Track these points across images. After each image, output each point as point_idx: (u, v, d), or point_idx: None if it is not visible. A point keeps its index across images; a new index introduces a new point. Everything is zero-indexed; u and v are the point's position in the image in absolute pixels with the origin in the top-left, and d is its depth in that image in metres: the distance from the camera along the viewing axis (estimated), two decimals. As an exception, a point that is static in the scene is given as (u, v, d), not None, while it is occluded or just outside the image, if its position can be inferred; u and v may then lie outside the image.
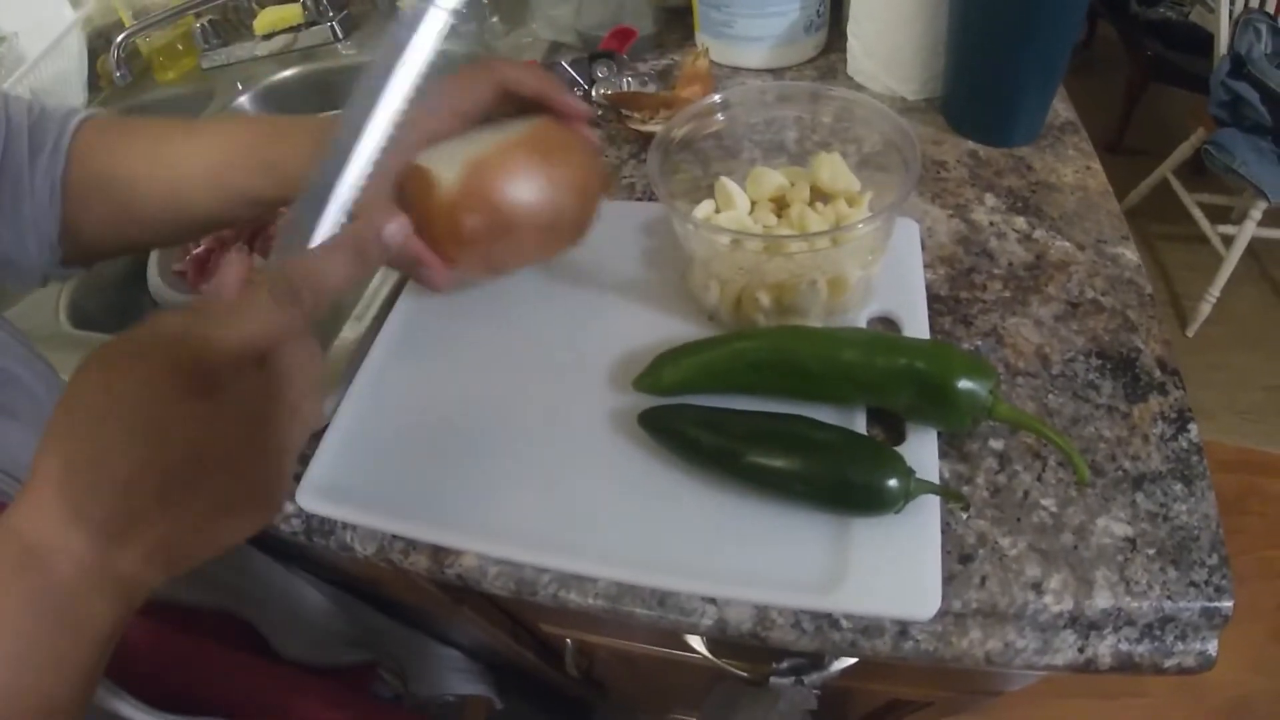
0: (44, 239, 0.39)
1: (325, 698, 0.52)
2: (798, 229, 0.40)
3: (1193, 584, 0.32)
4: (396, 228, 0.29)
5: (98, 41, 0.88)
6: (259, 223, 0.71)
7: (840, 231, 0.34)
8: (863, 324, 0.41)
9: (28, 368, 0.38)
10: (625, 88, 0.59)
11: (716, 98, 0.43)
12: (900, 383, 0.33)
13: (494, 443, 0.39)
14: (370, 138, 0.30)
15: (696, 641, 0.48)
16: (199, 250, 0.71)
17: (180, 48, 0.90)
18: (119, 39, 0.82)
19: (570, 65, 0.58)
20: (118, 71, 0.83)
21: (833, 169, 0.42)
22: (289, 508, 0.39)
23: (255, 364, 0.25)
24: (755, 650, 0.48)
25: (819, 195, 0.43)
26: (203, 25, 0.89)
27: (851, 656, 0.41)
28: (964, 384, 0.33)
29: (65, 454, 0.23)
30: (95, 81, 0.89)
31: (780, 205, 0.43)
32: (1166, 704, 1.13)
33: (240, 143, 0.40)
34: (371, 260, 0.29)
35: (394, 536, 0.38)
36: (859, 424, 0.36)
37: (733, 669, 0.48)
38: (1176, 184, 1.58)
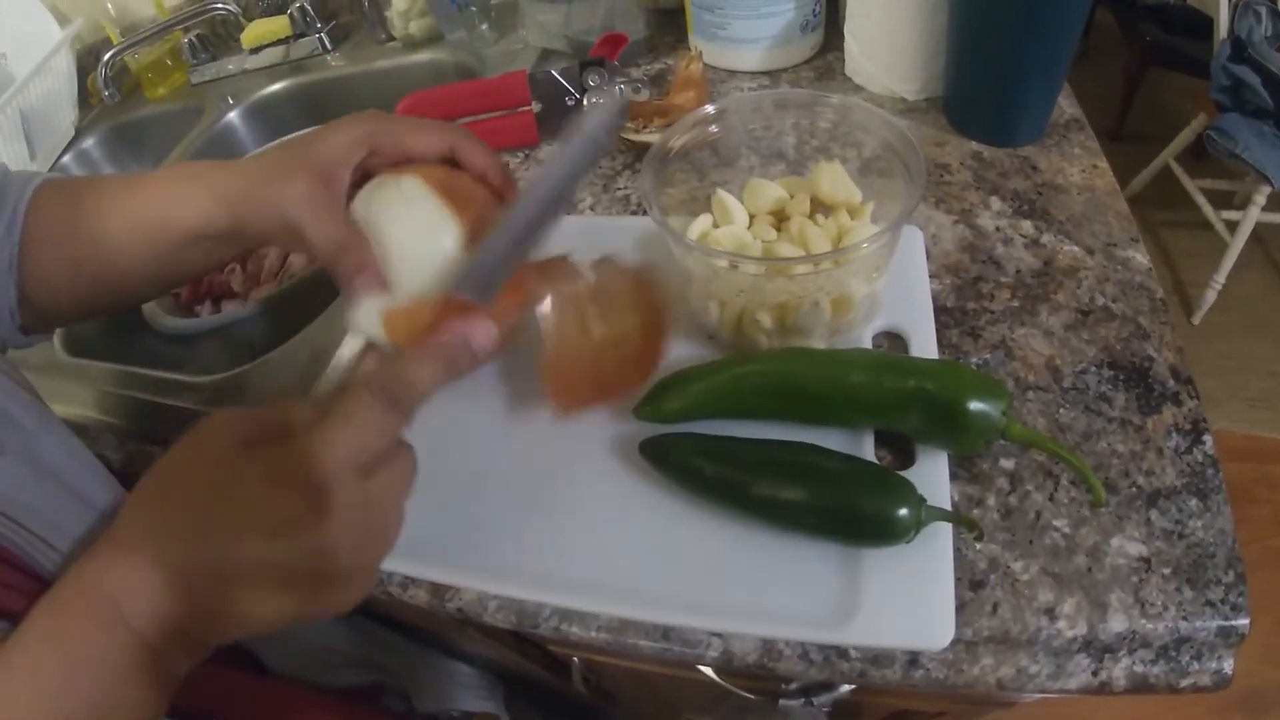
0: (5, 305, 0.38)
1: (330, 710, 0.51)
2: (798, 243, 0.39)
3: (1209, 603, 0.32)
4: (484, 338, 0.30)
5: (87, 59, 0.87)
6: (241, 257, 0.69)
7: (842, 253, 0.33)
8: (868, 341, 0.40)
9: (14, 399, 0.37)
10: (617, 94, 0.58)
11: (710, 109, 0.42)
12: (909, 405, 0.32)
13: (490, 476, 0.38)
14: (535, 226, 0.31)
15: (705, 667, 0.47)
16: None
17: (169, 63, 0.89)
18: (106, 57, 0.81)
19: (560, 74, 0.57)
20: (106, 90, 0.83)
21: (832, 178, 0.41)
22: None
23: (361, 474, 0.25)
24: (766, 675, 0.47)
25: (819, 206, 0.42)
26: (190, 40, 0.88)
27: (860, 684, 0.40)
28: (975, 405, 0.32)
29: (152, 520, 0.25)
30: (86, 99, 0.88)
31: (780, 218, 0.42)
32: (1179, 695, 1.12)
33: (187, 187, 0.38)
34: (460, 369, 0.29)
35: (393, 571, 0.37)
36: (867, 447, 0.35)
37: (741, 691, 0.47)
38: (1179, 170, 1.56)
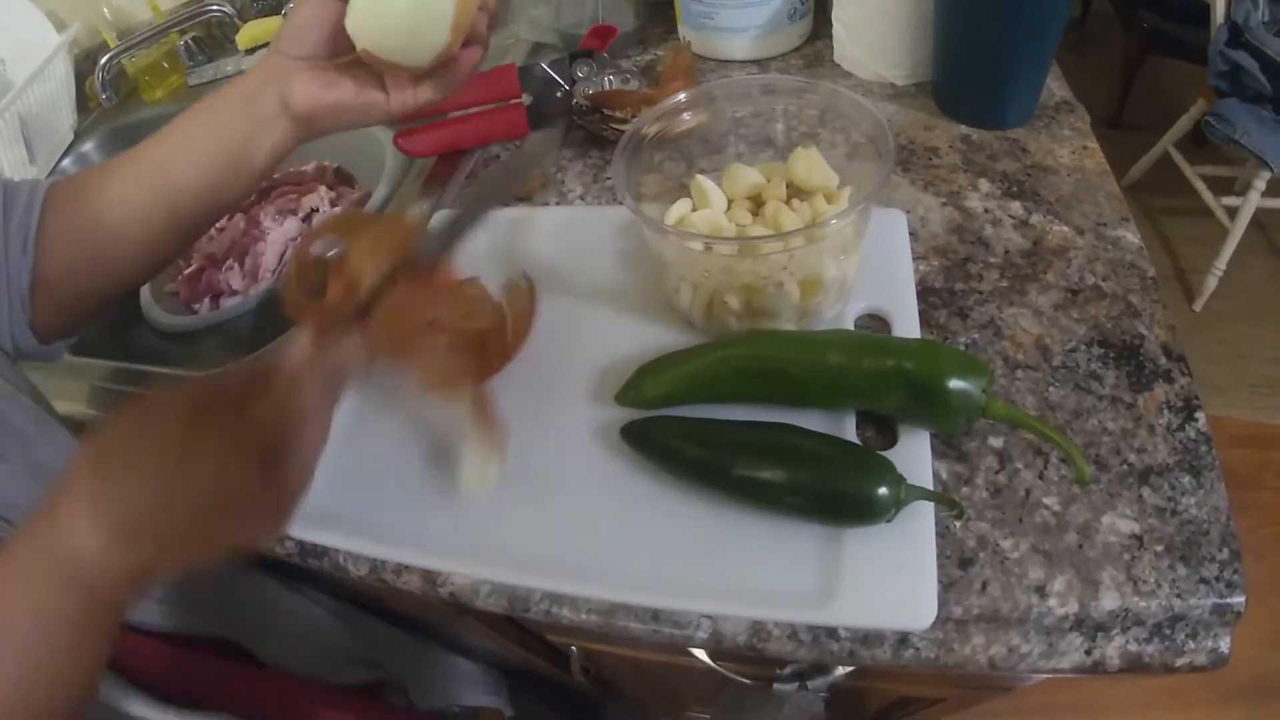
0: (16, 293, 0.38)
1: (335, 702, 0.52)
2: (771, 227, 0.39)
3: (1203, 580, 0.31)
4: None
5: (85, 64, 0.88)
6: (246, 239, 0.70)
7: (804, 231, 0.33)
8: (850, 323, 0.40)
9: (14, 404, 0.38)
10: (606, 85, 0.58)
11: (682, 96, 0.42)
12: (889, 385, 0.32)
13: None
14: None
15: (697, 649, 0.47)
16: (190, 269, 0.71)
17: (165, 66, 0.90)
18: (103, 60, 0.81)
19: (550, 66, 0.57)
20: (103, 93, 0.83)
21: (807, 164, 0.41)
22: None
23: (270, 390, 0.28)
24: (756, 657, 0.47)
25: (797, 191, 0.42)
26: (186, 43, 0.88)
27: (851, 665, 0.40)
28: (955, 384, 0.31)
29: (98, 472, 0.27)
30: (84, 103, 0.88)
31: (758, 203, 0.42)
32: (1185, 681, 1.12)
33: (188, 135, 0.40)
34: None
35: (385, 559, 0.37)
36: (848, 428, 0.35)
37: (736, 675, 0.47)
38: (1178, 157, 1.55)
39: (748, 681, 0.47)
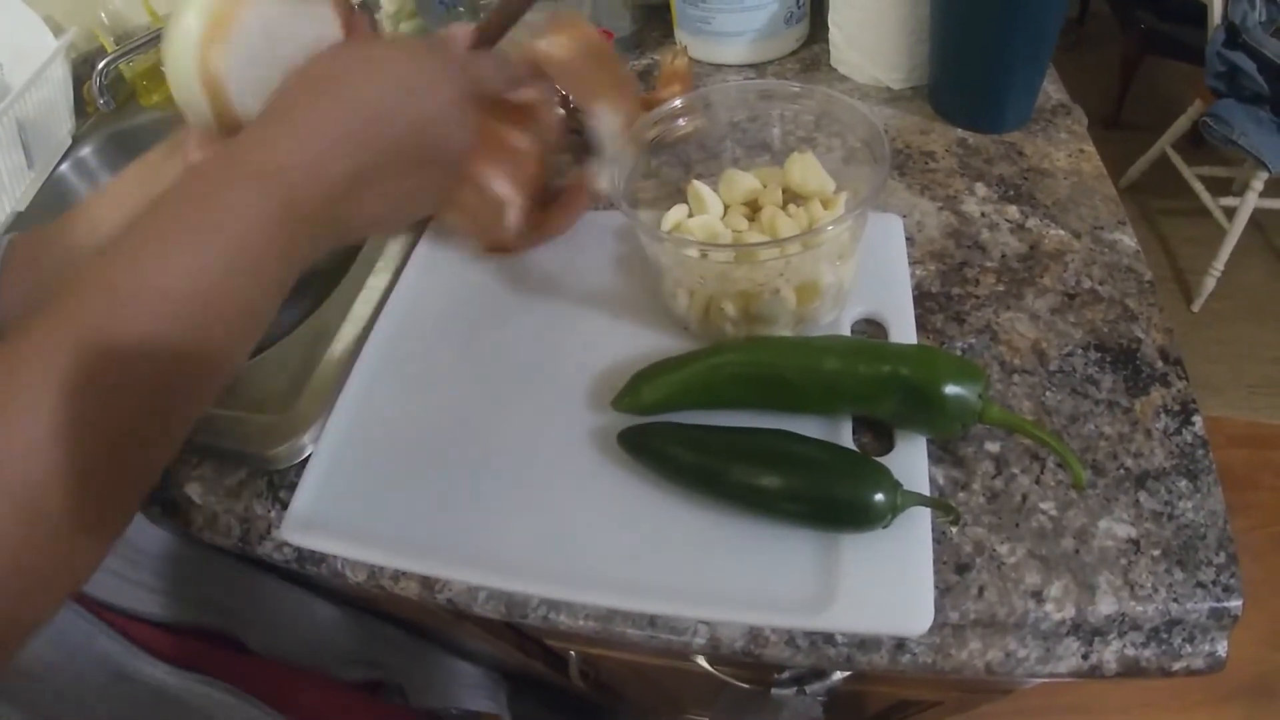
0: None
1: (334, 691, 0.52)
2: (768, 233, 0.39)
3: (1200, 584, 0.31)
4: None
5: (83, 68, 0.88)
6: None
7: (803, 237, 0.33)
8: (847, 328, 0.40)
9: None
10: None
11: (678, 102, 0.42)
12: (885, 391, 0.32)
13: (475, 469, 0.38)
14: None
15: (695, 655, 0.47)
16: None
17: (163, 70, 0.90)
18: (101, 65, 0.81)
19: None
20: (101, 98, 0.83)
21: (804, 169, 0.41)
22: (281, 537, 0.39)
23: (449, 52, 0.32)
24: (754, 662, 0.47)
25: (793, 197, 0.42)
26: (183, 46, 0.88)
27: (849, 670, 0.40)
28: (951, 389, 0.31)
29: (311, 90, 0.28)
30: (82, 108, 0.88)
31: (754, 208, 0.42)
32: (1185, 681, 1.12)
33: (133, 200, 0.38)
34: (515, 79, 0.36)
35: (383, 565, 0.37)
36: (845, 434, 0.35)
37: (734, 680, 0.47)
38: (1176, 158, 1.55)
39: (745, 686, 0.47)
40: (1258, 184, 1.34)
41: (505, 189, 0.38)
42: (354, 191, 0.28)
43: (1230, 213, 1.42)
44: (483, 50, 0.36)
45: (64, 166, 0.86)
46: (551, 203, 0.46)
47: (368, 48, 0.31)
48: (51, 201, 0.76)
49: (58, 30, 0.84)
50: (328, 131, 0.27)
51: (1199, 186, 1.50)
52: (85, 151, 0.88)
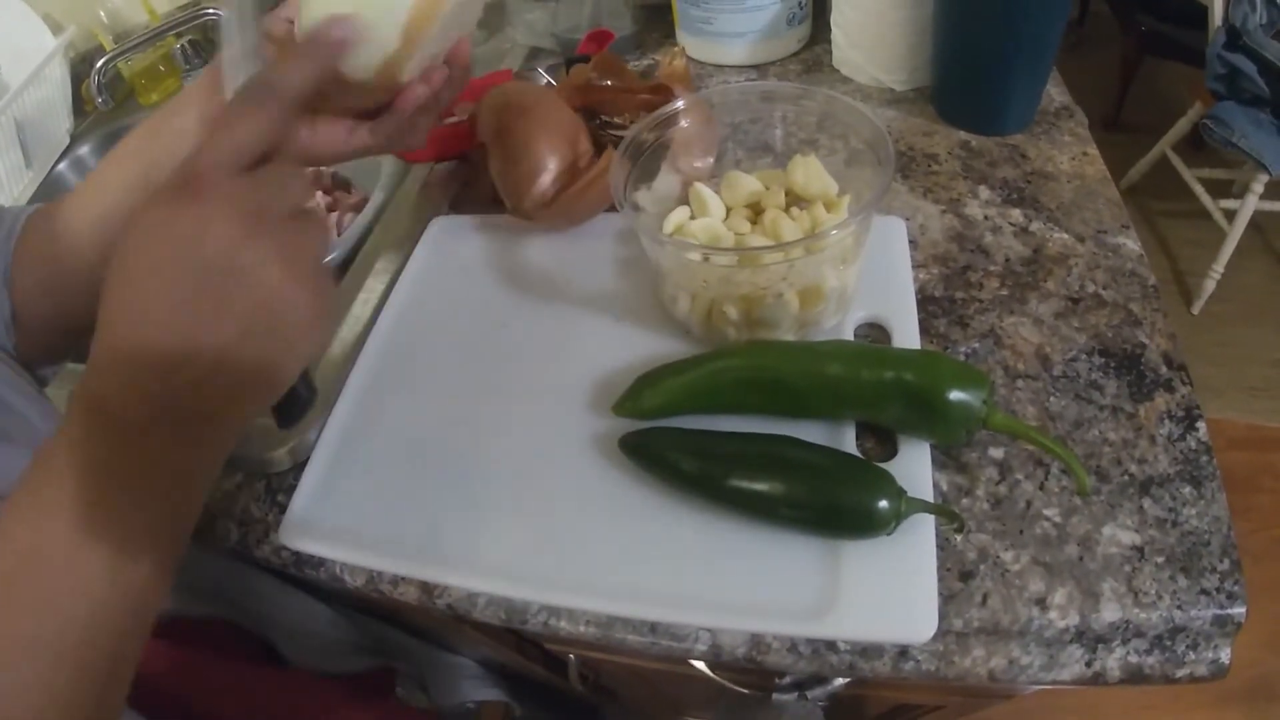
0: (1, 322, 0.38)
1: (341, 699, 0.51)
2: (770, 236, 0.39)
3: (1204, 591, 0.31)
4: (342, 30, 0.30)
5: (81, 67, 0.87)
6: None
7: (807, 241, 0.33)
8: (850, 332, 0.40)
9: (20, 394, 0.37)
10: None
11: (680, 103, 0.42)
12: (889, 396, 0.32)
13: (475, 473, 0.38)
14: None
15: (696, 661, 0.47)
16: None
17: (162, 69, 0.89)
18: (99, 64, 0.81)
19: (546, 71, 0.57)
20: (99, 97, 0.83)
21: (807, 172, 0.40)
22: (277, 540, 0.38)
23: (244, 169, 0.26)
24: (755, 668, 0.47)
25: (796, 199, 0.42)
26: (183, 46, 0.88)
27: (850, 677, 0.40)
28: (955, 395, 0.31)
29: (110, 314, 0.25)
30: (80, 107, 0.88)
31: (757, 211, 0.42)
32: (1185, 684, 1.12)
33: (139, 162, 0.38)
34: (323, 57, 0.30)
35: (382, 570, 0.37)
36: (848, 439, 0.35)
37: (734, 685, 0.47)
38: (1176, 160, 1.55)
39: (746, 692, 0.47)
40: (1258, 186, 1.34)
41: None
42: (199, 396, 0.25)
43: (1230, 215, 1.42)
44: (264, 169, 0.28)
45: (62, 165, 0.85)
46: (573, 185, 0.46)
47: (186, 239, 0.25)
48: (49, 200, 0.76)
49: (56, 29, 0.84)
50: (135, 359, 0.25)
51: (1199, 189, 1.50)
52: (83, 150, 0.87)
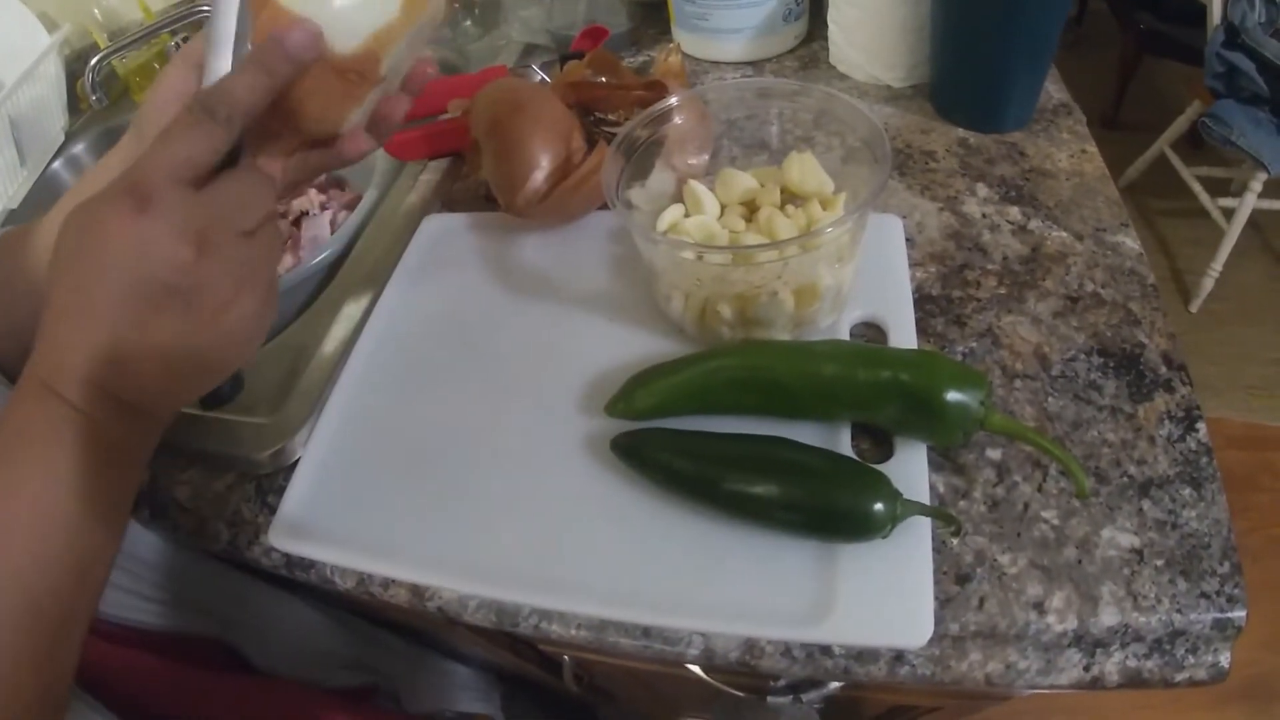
0: None
1: (329, 706, 0.51)
2: (765, 234, 0.38)
3: (1204, 595, 0.31)
4: (299, 39, 0.29)
5: (75, 65, 0.87)
6: None
7: (801, 239, 0.33)
8: (846, 332, 0.39)
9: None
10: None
11: (673, 100, 0.41)
12: (885, 397, 0.32)
13: (466, 475, 0.37)
14: None
15: (690, 664, 0.47)
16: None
17: (157, 67, 0.89)
18: (94, 61, 0.80)
19: (541, 68, 0.56)
20: (93, 95, 0.82)
21: (802, 169, 0.40)
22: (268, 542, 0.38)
23: (190, 184, 0.26)
24: (750, 672, 0.47)
25: (792, 197, 0.41)
26: (178, 43, 0.87)
27: (845, 681, 0.39)
28: (953, 396, 0.31)
29: (56, 305, 0.26)
30: (75, 105, 0.87)
31: (752, 208, 0.41)
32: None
33: None
34: (279, 72, 0.29)
35: (372, 572, 0.36)
36: (843, 440, 0.35)
37: (729, 688, 0.47)
38: (1175, 158, 1.55)
39: (741, 695, 0.46)
40: (1256, 185, 1.33)
41: None
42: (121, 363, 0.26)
43: (1229, 213, 1.42)
44: (219, 183, 0.28)
45: (57, 164, 0.85)
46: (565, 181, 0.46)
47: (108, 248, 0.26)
48: (44, 199, 0.76)
49: (51, 26, 0.83)
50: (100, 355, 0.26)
51: (1197, 187, 1.50)
52: (78, 148, 0.87)
